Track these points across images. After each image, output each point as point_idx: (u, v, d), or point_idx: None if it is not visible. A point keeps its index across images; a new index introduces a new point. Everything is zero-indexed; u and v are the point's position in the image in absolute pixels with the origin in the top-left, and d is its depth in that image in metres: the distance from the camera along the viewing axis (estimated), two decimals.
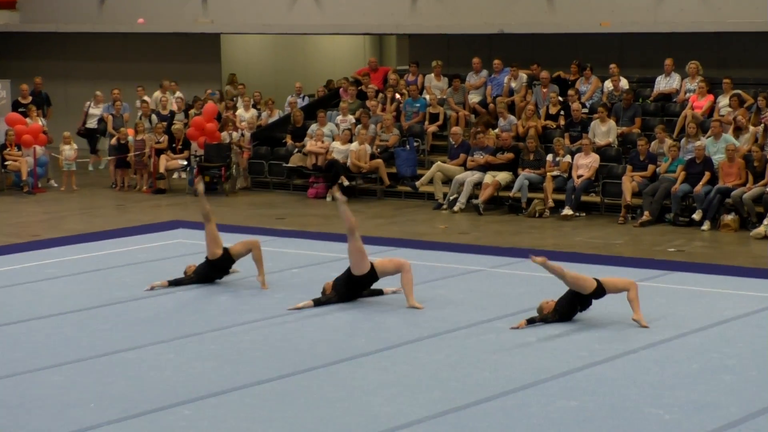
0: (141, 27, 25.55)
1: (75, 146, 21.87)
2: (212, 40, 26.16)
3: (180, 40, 26.22)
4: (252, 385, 9.37)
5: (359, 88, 22.34)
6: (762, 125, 17.80)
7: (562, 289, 11.56)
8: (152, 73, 25.70)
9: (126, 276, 13.61)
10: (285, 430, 8.47)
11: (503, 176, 18.89)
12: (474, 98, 21.16)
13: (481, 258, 14.70)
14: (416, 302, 12.04)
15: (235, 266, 13.45)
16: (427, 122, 21.12)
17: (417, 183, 19.81)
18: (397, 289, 12.44)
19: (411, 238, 16.34)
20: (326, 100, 23.18)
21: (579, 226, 17.50)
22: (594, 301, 11.48)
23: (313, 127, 21.33)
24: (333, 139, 20.97)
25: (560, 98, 19.98)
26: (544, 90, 20.26)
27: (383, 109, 21.54)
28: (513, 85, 20.82)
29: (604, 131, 19.06)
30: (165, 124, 22.15)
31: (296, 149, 21.36)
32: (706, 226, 16.97)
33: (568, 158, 18.60)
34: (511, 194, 18.70)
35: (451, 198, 18.95)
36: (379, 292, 12.52)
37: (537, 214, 18.29)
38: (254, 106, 23.10)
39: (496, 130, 19.77)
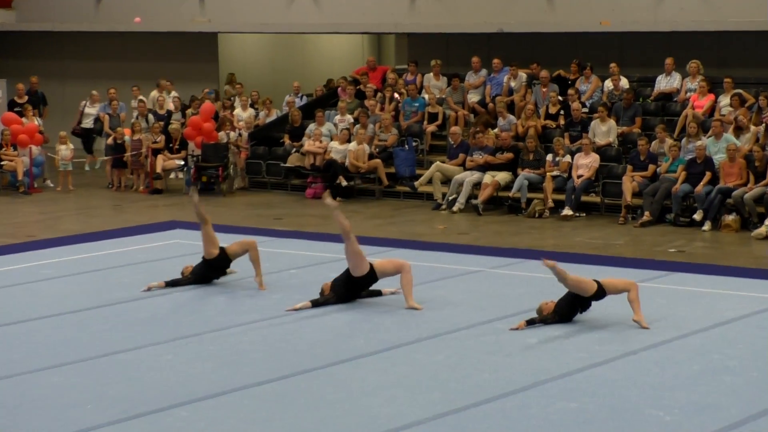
0: (138, 26, 25.55)
1: (71, 146, 21.88)
2: (209, 40, 26.15)
3: (177, 39, 26.19)
4: (250, 387, 9.36)
5: (358, 87, 22.36)
6: (763, 125, 17.81)
7: (561, 290, 11.52)
8: (149, 72, 25.64)
9: (123, 276, 13.59)
10: None
11: (503, 176, 18.87)
12: (473, 98, 21.16)
13: (480, 258, 14.69)
14: (415, 303, 12.01)
15: (232, 267, 13.43)
16: (425, 122, 21.12)
17: (416, 183, 19.80)
18: (396, 290, 12.41)
19: (410, 238, 16.32)
20: (324, 100, 23.19)
21: (579, 226, 17.47)
22: (594, 303, 11.47)
23: (311, 126, 21.32)
24: (331, 139, 20.97)
25: (560, 98, 19.97)
26: (544, 89, 20.25)
27: (382, 109, 21.53)
28: (512, 84, 20.81)
29: (605, 131, 19.04)
30: (162, 123, 22.16)
31: (294, 149, 21.35)
32: (707, 226, 16.94)
33: (567, 158, 18.57)
34: (510, 194, 18.68)
35: (450, 198, 18.94)
36: (378, 293, 12.49)
37: (537, 215, 18.26)
38: (252, 106, 23.13)
39: (496, 130, 19.77)
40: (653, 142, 18.25)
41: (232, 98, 23.64)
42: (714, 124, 17.80)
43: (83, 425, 8.51)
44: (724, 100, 18.63)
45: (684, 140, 18.02)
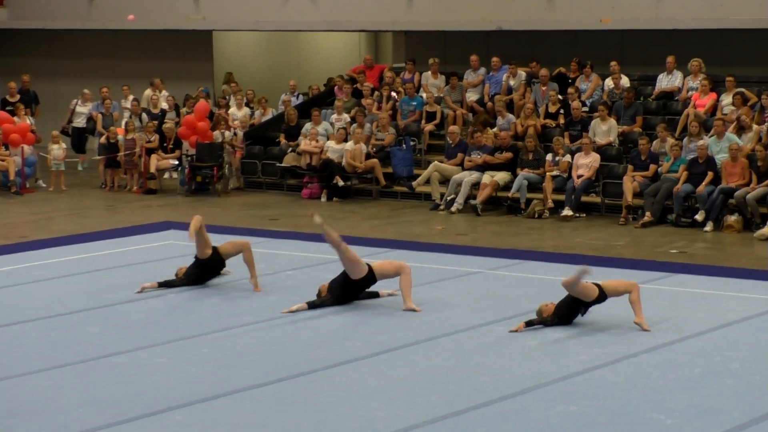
0: (131, 24, 25.55)
1: (64, 145, 21.89)
2: (204, 38, 26.13)
3: (171, 37, 26.16)
4: (245, 390, 9.32)
5: (354, 86, 22.36)
6: (766, 124, 17.88)
7: (561, 292, 11.49)
8: (143, 71, 25.66)
9: (116, 278, 13.58)
10: None
11: (502, 176, 18.84)
12: (472, 96, 21.13)
13: (479, 260, 14.70)
14: (413, 305, 12.01)
15: (228, 268, 13.39)
16: (423, 121, 21.10)
17: (414, 183, 19.79)
18: (393, 292, 12.40)
19: (407, 239, 16.32)
20: (321, 99, 23.19)
21: (579, 227, 17.47)
22: (594, 305, 11.42)
23: (308, 126, 21.30)
24: (328, 138, 20.95)
25: (560, 96, 19.98)
26: (544, 88, 20.26)
27: (379, 108, 21.49)
28: (512, 83, 20.78)
29: (605, 130, 19.01)
30: (156, 123, 22.14)
31: (290, 148, 21.33)
32: (708, 227, 16.91)
33: (567, 158, 18.54)
34: (509, 194, 18.67)
35: (449, 198, 18.93)
36: (375, 295, 12.47)
37: (536, 215, 18.22)
38: (247, 105, 23.16)
39: (495, 129, 19.82)
40: (654, 142, 18.23)
41: (227, 97, 23.57)
42: (716, 123, 17.81)
43: (75, 429, 8.48)
44: (726, 99, 18.64)
45: (685, 140, 18.01)
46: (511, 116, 19.95)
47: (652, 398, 9.04)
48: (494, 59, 20.99)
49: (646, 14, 20.51)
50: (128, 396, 9.18)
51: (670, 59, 19.60)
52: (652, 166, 17.81)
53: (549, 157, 18.64)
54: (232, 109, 22.71)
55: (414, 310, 11.90)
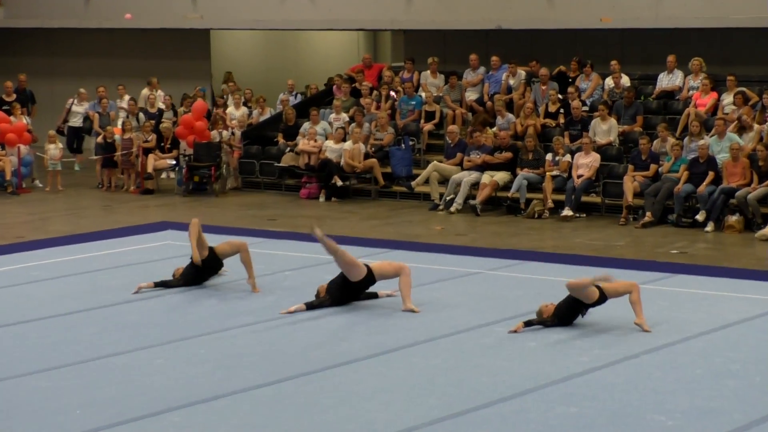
0: (128, 23, 25.60)
1: (60, 145, 21.89)
2: (202, 36, 26.12)
3: (168, 36, 26.16)
4: (243, 391, 9.28)
5: (353, 85, 22.33)
6: (767, 123, 17.83)
7: (560, 293, 11.48)
8: (140, 70, 25.66)
9: (113, 279, 13.54)
10: None
11: (501, 176, 18.81)
12: (471, 96, 21.10)
13: (478, 260, 14.68)
14: (413, 305, 11.97)
15: (225, 267, 13.36)
16: (422, 120, 21.07)
17: (412, 183, 19.76)
18: (392, 293, 12.37)
19: (406, 239, 16.28)
20: (319, 98, 23.16)
21: (579, 227, 17.44)
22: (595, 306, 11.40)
23: (306, 125, 21.28)
24: (326, 138, 20.93)
25: (560, 96, 19.96)
26: (544, 87, 20.24)
27: (378, 107, 21.46)
28: (511, 82, 20.75)
29: (605, 130, 18.98)
30: (153, 122, 22.14)
31: (288, 148, 21.30)
32: (709, 227, 16.87)
33: (567, 157, 18.52)
34: (509, 195, 18.65)
35: (448, 198, 18.90)
36: (374, 296, 12.44)
37: (536, 215, 18.19)
38: (245, 104, 23.15)
39: (494, 129, 19.82)
40: (655, 141, 18.20)
41: (225, 96, 23.57)
42: (717, 123, 17.79)
43: (73, 430, 8.46)
44: (727, 99, 18.62)
45: (686, 139, 17.98)
46: (510, 116, 19.92)
47: (652, 399, 9.01)
48: (494, 58, 20.95)
49: (647, 13, 20.50)
50: (126, 397, 9.15)
51: (670, 58, 19.58)
52: (653, 166, 17.78)
53: (549, 156, 18.61)
54: (230, 109, 22.69)
55: (413, 311, 11.85)
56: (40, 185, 21.82)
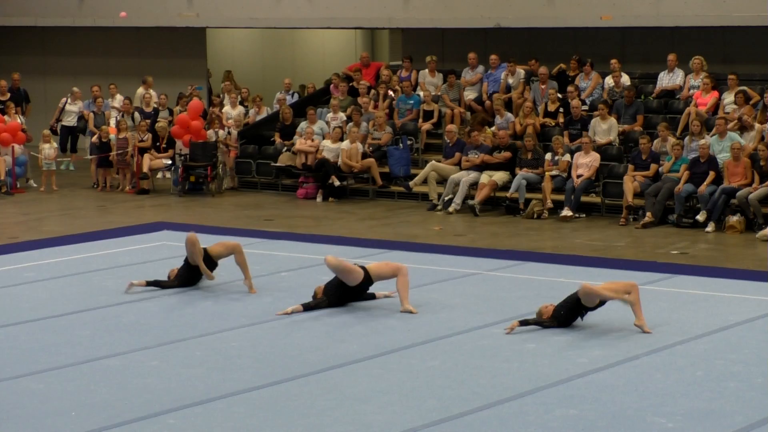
0: (123, 21, 25.54)
1: (55, 145, 21.88)
2: (197, 35, 26.12)
3: (164, 34, 26.16)
4: (240, 393, 9.26)
5: (350, 84, 22.31)
6: None
7: (560, 293, 11.55)
8: (135, 68, 25.69)
9: (108, 280, 13.49)
10: None
11: (500, 176, 18.77)
12: (470, 95, 21.09)
13: (477, 261, 14.66)
14: (410, 306, 11.94)
15: (219, 270, 13.23)
16: (420, 120, 21.06)
17: (410, 183, 19.74)
18: (390, 294, 12.34)
19: (404, 240, 16.26)
20: (316, 97, 23.18)
21: (579, 227, 17.42)
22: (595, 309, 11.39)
23: (303, 124, 21.28)
24: (323, 138, 20.92)
25: (559, 95, 19.95)
26: (543, 86, 20.24)
27: (375, 107, 21.44)
28: (510, 81, 20.74)
29: (605, 129, 18.94)
30: (148, 121, 22.12)
31: (285, 148, 21.29)
32: (710, 227, 16.83)
33: (567, 157, 18.48)
34: (508, 195, 18.63)
35: (446, 198, 18.88)
36: (371, 297, 12.40)
37: (535, 216, 18.15)
38: (241, 103, 23.24)
39: (493, 128, 19.84)
40: (655, 141, 18.17)
41: (221, 95, 23.54)
42: (718, 122, 17.77)
43: None
44: (729, 98, 18.59)
45: (687, 139, 17.96)
46: (509, 115, 19.90)
47: (653, 401, 8.97)
48: (493, 57, 20.92)
49: (647, 11, 20.48)
50: (121, 399, 9.11)
51: (671, 57, 19.57)
52: (653, 166, 17.75)
53: (548, 156, 18.58)
54: (226, 108, 22.67)
55: (411, 312, 11.81)
56: (35, 185, 21.78)
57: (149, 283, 12.89)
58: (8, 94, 23.28)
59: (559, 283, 12.94)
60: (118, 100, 23.09)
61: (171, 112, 22.76)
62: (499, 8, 21.56)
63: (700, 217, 16.92)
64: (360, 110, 20.92)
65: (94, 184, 21.67)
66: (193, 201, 20.23)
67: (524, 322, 11.08)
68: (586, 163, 18.11)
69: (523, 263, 14.43)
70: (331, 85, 22.55)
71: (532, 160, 18.62)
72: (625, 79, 19.78)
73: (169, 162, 21.35)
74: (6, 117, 21.76)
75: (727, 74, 18.83)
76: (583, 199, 18.14)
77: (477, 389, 9.31)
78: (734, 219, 16.68)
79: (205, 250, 12.94)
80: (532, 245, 15.84)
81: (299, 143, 20.73)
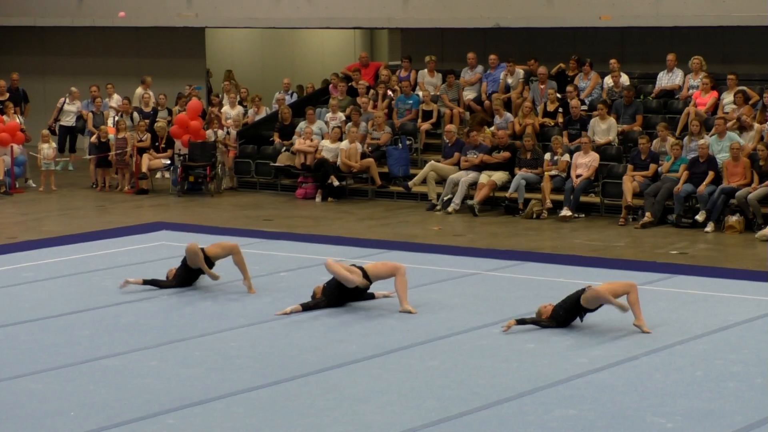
0: (122, 21, 25.53)
1: (54, 145, 21.85)
2: (196, 35, 26.09)
3: (163, 34, 26.11)
4: (239, 393, 9.25)
5: (349, 84, 22.25)
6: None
7: (559, 293, 11.56)
8: (134, 68, 25.65)
9: (107, 280, 13.46)
10: None
11: (499, 176, 18.73)
12: (469, 95, 21.06)
13: (476, 261, 14.64)
14: (410, 306, 11.93)
15: (217, 271, 13.19)
16: (420, 120, 21.02)
17: (410, 183, 19.70)
18: (389, 294, 12.31)
19: (403, 240, 16.24)
20: (315, 97, 23.14)
21: (578, 227, 17.39)
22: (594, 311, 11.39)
23: (302, 124, 21.25)
24: (322, 138, 20.88)
25: (558, 95, 19.91)
26: (542, 86, 20.20)
27: (374, 106, 21.41)
28: (509, 81, 20.71)
29: (604, 129, 18.91)
30: (147, 121, 22.09)
31: (284, 148, 21.25)
32: (709, 227, 16.81)
33: (566, 157, 18.45)
34: (507, 195, 18.58)
35: (445, 198, 18.86)
36: (370, 296, 12.38)
37: (534, 216, 18.13)
38: (240, 103, 23.17)
39: (492, 128, 19.76)
40: (654, 141, 18.15)
41: (220, 95, 23.50)
42: (717, 122, 17.74)
43: None
44: (728, 98, 18.56)
45: (686, 139, 17.94)
46: (508, 115, 19.87)
47: (652, 401, 8.96)
48: (492, 57, 20.89)
49: (647, 11, 20.43)
50: (120, 399, 9.09)
51: (670, 57, 19.54)
52: (653, 166, 17.72)
53: (547, 156, 18.54)
54: (225, 108, 22.61)
55: (410, 312, 11.79)
56: (34, 185, 21.74)
57: (146, 282, 12.89)
58: (7, 94, 23.26)
59: (558, 283, 12.92)
60: (116, 99, 23.07)
61: (170, 112, 22.72)
62: (499, 8, 21.51)
63: (700, 217, 16.90)
64: (359, 110, 20.88)
65: (93, 184, 21.64)
66: (192, 201, 20.20)
67: (521, 321, 11.08)
68: (585, 163, 18.07)
69: (522, 263, 14.40)
70: (330, 85, 22.52)
71: (531, 160, 18.58)
72: (625, 79, 19.73)
73: (168, 162, 21.31)
74: (5, 117, 21.72)
75: (726, 74, 18.80)
76: (583, 199, 18.10)
77: (476, 389, 9.30)
78: (733, 219, 16.65)
79: (202, 250, 12.91)
80: (531, 245, 15.81)
81: (298, 143, 20.68)
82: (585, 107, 19.58)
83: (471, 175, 18.71)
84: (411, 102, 21.04)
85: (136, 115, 22.38)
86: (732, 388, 9.29)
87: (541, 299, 11.61)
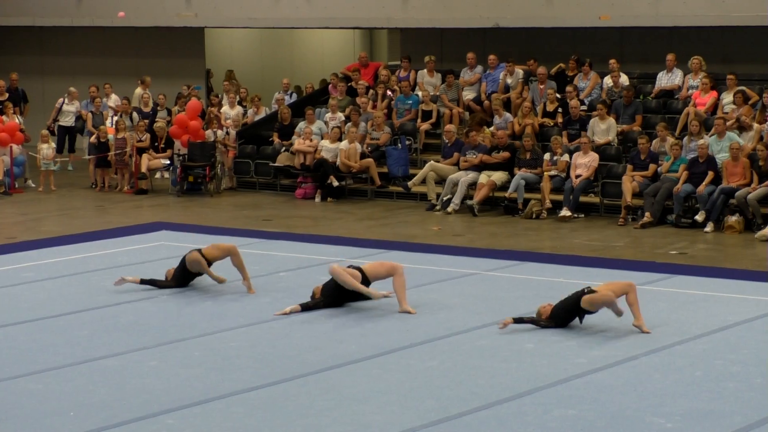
0: (121, 21, 25.51)
1: (53, 145, 21.82)
2: (195, 35, 26.08)
3: (162, 34, 26.11)
4: (238, 393, 9.23)
5: (349, 84, 22.23)
6: (767, 123, 17.65)
7: (558, 293, 11.56)
8: (133, 68, 25.64)
9: (106, 280, 13.38)
10: None
11: (499, 176, 18.72)
12: (468, 95, 21.04)
13: (475, 261, 14.62)
14: (409, 307, 11.90)
15: (217, 271, 13.16)
16: (419, 120, 21.00)
17: (409, 183, 19.67)
18: (388, 294, 12.26)
19: (403, 240, 16.22)
20: (315, 97, 23.13)
21: (577, 227, 17.38)
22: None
23: (301, 124, 21.23)
24: (322, 138, 20.86)
25: (558, 95, 19.89)
26: (541, 86, 20.18)
27: (374, 107, 21.39)
28: (509, 81, 20.69)
29: (604, 129, 18.89)
30: (147, 121, 22.08)
31: (283, 148, 21.22)
32: (709, 227, 16.80)
33: (566, 157, 18.43)
34: (507, 195, 18.56)
35: (445, 198, 18.85)
36: (369, 297, 12.25)
37: (534, 216, 18.11)
38: (240, 103, 23.13)
39: (492, 128, 19.73)
40: (654, 141, 18.14)
41: (220, 95, 23.48)
42: (717, 122, 17.72)
43: None
44: (727, 98, 18.55)
45: (686, 139, 17.93)
46: (508, 115, 19.86)
47: (651, 402, 8.95)
48: (491, 57, 20.89)
49: (646, 11, 20.44)
50: (119, 399, 9.07)
51: (670, 57, 19.53)
52: (652, 166, 17.71)
53: (547, 156, 18.53)
54: (225, 108, 22.60)
55: (409, 313, 11.77)
56: (33, 185, 21.73)
57: (143, 281, 12.88)
58: (6, 94, 23.24)
59: (557, 283, 12.91)
60: (113, 99, 23.05)
61: (169, 112, 22.70)
62: (498, 8, 21.50)
63: (699, 217, 16.89)
64: (358, 110, 20.86)
65: (93, 184, 21.61)
66: (191, 201, 20.19)
67: (519, 320, 11.08)
68: (584, 163, 18.06)
69: (521, 263, 14.39)
70: (330, 85, 22.50)
71: (530, 160, 18.57)
72: (624, 79, 19.71)
73: (168, 162, 21.29)
74: (4, 117, 21.68)
75: (725, 74, 18.78)
76: (582, 199, 18.09)
77: (475, 389, 9.28)
78: (733, 219, 16.65)
79: (199, 251, 12.88)
80: (530, 245, 15.80)
81: (298, 143, 20.66)
82: (584, 107, 19.56)
83: (470, 175, 18.68)
84: (410, 102, 21.02)
85: (135, 115, 22.37)
86: (731, 389, 9.28)
87: (541, 299, 11.59)
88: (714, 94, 18.68)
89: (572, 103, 19.17)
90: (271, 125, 22.04)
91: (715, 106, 18.60)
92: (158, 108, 22.85)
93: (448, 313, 11.80)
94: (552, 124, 19.58)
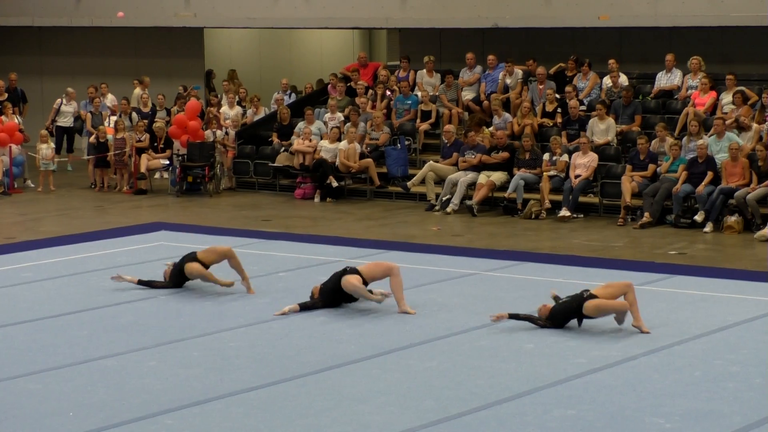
0: (120, 21, 25.46)
1: (52, 145, 21.79)
2: (194, 35, 26.07)
3: (161, 34, 26.11)
4: (237, 394, 9.25)
5: (348, 84, 22.21)
6: (766, 123, 17.76)
7: (558, 293, 11.58)
8: (132, 69, 25.64)
9: (105, 280, 13.42)
10: None
11: (498, 176, 18.71)
12: (467, 95, 21.03)
13: (474, 261, 14.63)
14: (408, 307, 11.92)
15: (217, 271, 13.11)
16: (418, 120, 20.99)
17: (408, 183, 19.66)
18: (387, 293, 12.23)
19: (402, 240, 16.24)
20: (314, 97, 23.13)
21: (577, 227, 17.38)
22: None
23: (301, 125, 21.22)
24: (321, 138, 20.86)
25: (557, 95, 19.88)
26: (541, 86, 20.15)
27: (373, 107, 21.38)
28: (508, 81, 20.69)
29: (603, 129, 18.88)
30: (146, 122, 22.06)
31: (283, 148, 21.22)
32: (708, 227, 16.80)
33: (565, 157, 18.43)
34: (506, 195, 18.56)
35: (444, 199, 18.84)
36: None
37: (533, 216, 18.11)
38: (239, 103, 23.07)
39: (491, 128, 19.71)
40: (653, 141, 18.13)
41: (219, 95, 23.47)
42: (716, 123, 17.70)
43: None
44: (727, 98, 18.53)
45: (685, 139, 17.92)
46: (507, 115, 19.85)
47: (651, 402, 8.97)
48: (490, 57, 20.89)
49: (645, 11, 20.41)
50: (119, 400, 9.09)
51: (669, 57, 19.52)
52: (651, 166, 17.71)
53: (546, 156, 18.52)
54: (224, 108, 22.58)
55: (408, 313, 11.77)
56: (32, 185, 21.73)
57: (141, 282, 12.87)
58: (5, 94, 23.23)
59: (557, 283, 12.88)
60: (110, 99, 23.04)
61: (168, 112, 22.69)
62: (497, 8, 21.49)
63: (698, 217, 16.89)
64: (358, 110, 20.86)
65: (92, 185, 21.62)
66: (190, 201, 20.19)
67: (514, 316, 11.10)
68: (584, 164, 18.05)
69: (520, 263, 14.39)
70: (329, 86, 22.50)
71: (530, 160, 18.57)
72: (623, 79, 19.69)
73: (167, 162, 21.29)
74: (3, 117, 21.66)
75: (725, 74, 18.77)
76: (581, 199, 18.08)
77: (475, 390, 9.29)
78: (732, 219, 16.64)
79: (194, 254, 12.86)
80: (530, 245, 15.80)
81: (297, 143, 20.67)
82: (584, 107, 19.55)
83: (470, 176, 18.68)
84: (410, 102, 21.01)
85: (134, 115, 22.37)
86: (731, 389, 9.29)
87: (540, 299, 11.60)
88: (713, 94, 18.67)
89: (571, 103, 19.16)
90: (271, 125, 22.03)
91: (714, 107, 18.58)
92: (157, 108, 22.86)
93: (447, 314, 11.80)
94: (551, 124, 19.56)
